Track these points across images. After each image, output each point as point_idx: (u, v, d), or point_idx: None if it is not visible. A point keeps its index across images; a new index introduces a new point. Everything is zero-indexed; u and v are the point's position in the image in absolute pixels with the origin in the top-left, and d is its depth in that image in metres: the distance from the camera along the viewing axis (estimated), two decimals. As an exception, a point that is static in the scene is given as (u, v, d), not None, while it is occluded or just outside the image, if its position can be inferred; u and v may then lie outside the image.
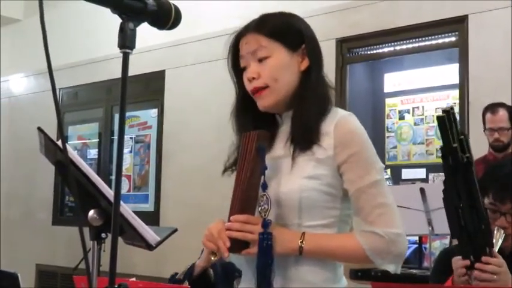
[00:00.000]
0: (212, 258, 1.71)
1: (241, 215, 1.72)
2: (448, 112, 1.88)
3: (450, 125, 1.88)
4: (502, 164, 2.47)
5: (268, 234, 1.70)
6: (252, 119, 1.87)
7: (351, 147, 1.73)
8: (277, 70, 1.79)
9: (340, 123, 1.75)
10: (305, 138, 1.76)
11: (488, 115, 4.48)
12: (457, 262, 2.07)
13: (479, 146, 4.69)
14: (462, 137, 1.90)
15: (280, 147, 1.81)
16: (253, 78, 1.79)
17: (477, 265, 2.01)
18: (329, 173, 1.74)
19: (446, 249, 2.59)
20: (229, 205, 1.78)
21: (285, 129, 1.84)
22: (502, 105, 4.48)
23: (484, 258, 2.00)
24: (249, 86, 1.82)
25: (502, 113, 4.45)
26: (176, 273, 2.45)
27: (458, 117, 5.31)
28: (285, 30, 1.82)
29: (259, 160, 1.74)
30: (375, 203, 1.72)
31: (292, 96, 1.81)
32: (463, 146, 1.90)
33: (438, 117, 1.88)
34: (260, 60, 1.79)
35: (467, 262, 2.03)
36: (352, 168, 1.73)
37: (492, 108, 4.48)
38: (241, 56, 1.84)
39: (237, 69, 1.87)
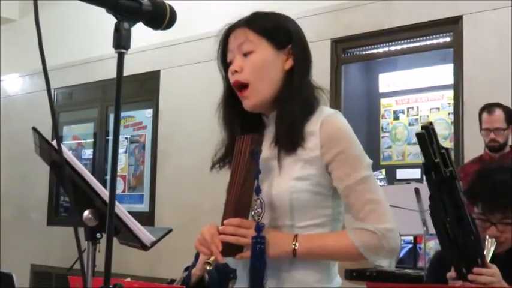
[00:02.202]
0: (207, 268, 1.70)
1: (234, 219, 1.72)
2: (427, 128, 1.88)
3: (430, 141, 1.88)
4: (491, 172, 2.47)
5: (261, 238, 1.70)
6: (238, 115, 1.87)
7: (337, 145, 1.73)
8: (260, 65, 1.79)
9: (326, 122, 1.75)
10: (289, 140, 1.75)
11: (485, 115, 4.48)
12: (451, 275, 2.08)
13: (474, 147, 4.71)
14: (443, 151, 1.90)
15: (266, 148, 1.80)
16: (236, 71, 1.80)
17: (470, 277, 2.01)
18: (317, 172, 1.74)
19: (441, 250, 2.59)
20: (223, 205, 1.78)
21: (271, 131, 1.83)
22: (498, 105, 4.48)
23: (475, 270, 2.01)
24: (231, 79, 1.82)
25: (498, 113, 4.45)
26: (173, 280, 2.45)
27: (453, 118, 5.33)
28: (274, 28, 1.83)
29: (253, 164, 1.73)
30: (365, 199, 1.72)
31: (277, 96, 1.81)
32: (445, 160, 1.90)
33: (417, 134, 1.89)
34: (245, 55, 1.80)
35: (460, 278, 2.04)
36: (339, 166, 1.73)
37: (488, 108, 4.48)
38: (228, 50, 1.85)
39: (226, 64, 1.88)
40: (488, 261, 2.09)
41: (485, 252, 2.14)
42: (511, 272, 2.11)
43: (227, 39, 1.87)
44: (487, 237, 2.23)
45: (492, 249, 2.20)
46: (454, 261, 2.04)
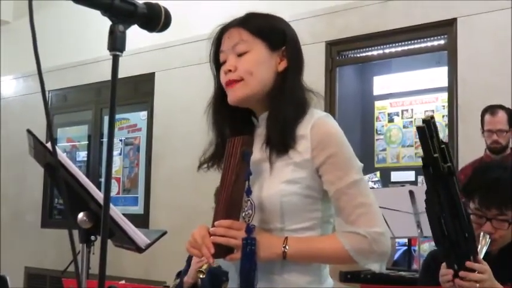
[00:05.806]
0: (200, 276, 1.71)
1: (225, 221, 1.71)
2: (428, 122, 1.88)
3: (431, 135, 1.88)
4: (487, 168, 2.47)
5: (251, 239, 1.70)
6: (228, 115, 1.87)
7: (328, 148, 1.72)
8: (253, 64, 1.79)
9: (317, 125, 1.75)
10: (281, 142, 1.75)
11: (487, 116, 4.44)
12: (442, 270, 2.09)
13: (468, 149, 4.72)
14: (443, 146, 1.90)
15: (257, 150, 1.80)
16: (230, 70, 1.79)
17: (460, 273, 2.02)
18: (308, 175, 1.74)
19: (434, 251, 2.60)
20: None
21: (261, 132, 1.83)
22: (501, 107, 4.44)
23: (468, 263, 2.01)
24: (224, 78, 1.81)
25: (501, 114, 4.41)
26: (166, 287, 2.45)
27: (447, 120, 5.34)
28: (268, 28, 1.83)
29: (244, 165, 1.73)
30: (356, 203, 1.71)
31: (268, 96, 1.80)
32: (445, 155, 1.90)
33: (418, 128, 1.89)
34: (239, 55, 1.80)
35: (451, 271, 2.04)
36: (330, 170, 1.72)
37: (491, 109, 4.44)
38: (221, 50, 1.84)
39: (218, 63, 1.87)
40: (481, 258, 2.09)
41: (478, 249, 2.14)
42: (503, 271, 2.12)
43: (220, 40, 1.86)
44: (482, 233, 2.23)
45: (486, 247, 2.20)
46: (446, 257, 2.05)
